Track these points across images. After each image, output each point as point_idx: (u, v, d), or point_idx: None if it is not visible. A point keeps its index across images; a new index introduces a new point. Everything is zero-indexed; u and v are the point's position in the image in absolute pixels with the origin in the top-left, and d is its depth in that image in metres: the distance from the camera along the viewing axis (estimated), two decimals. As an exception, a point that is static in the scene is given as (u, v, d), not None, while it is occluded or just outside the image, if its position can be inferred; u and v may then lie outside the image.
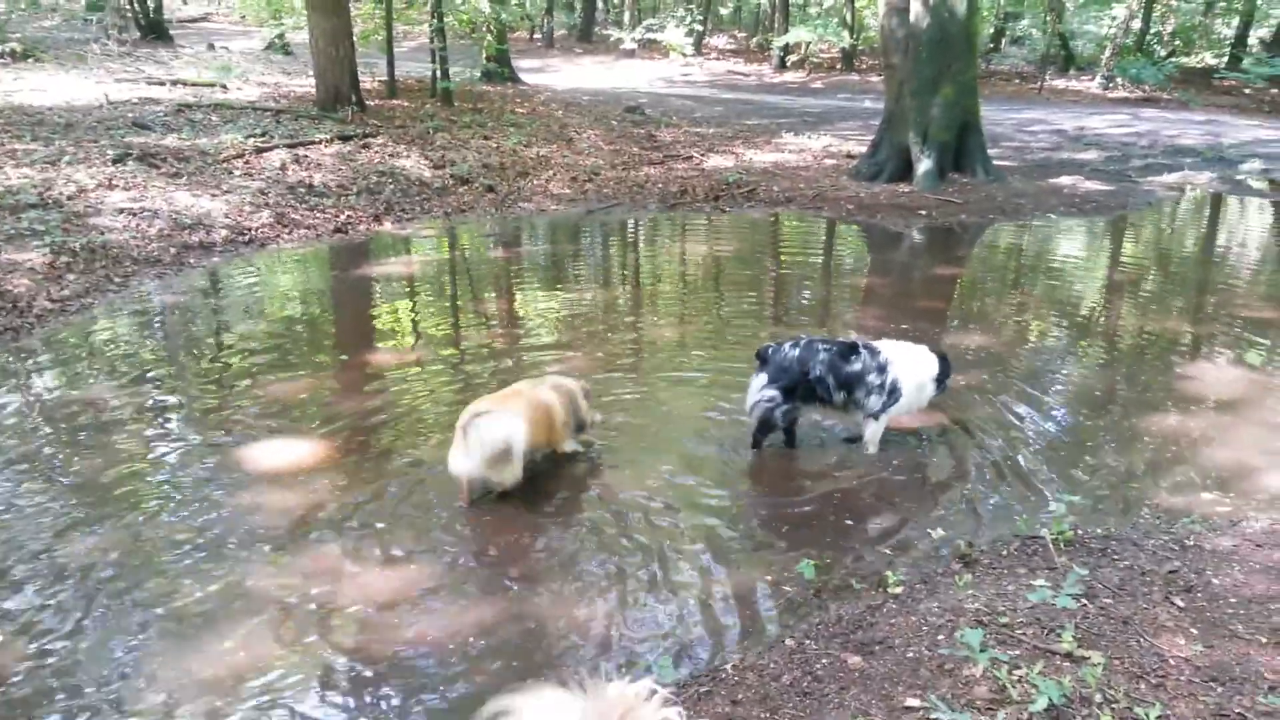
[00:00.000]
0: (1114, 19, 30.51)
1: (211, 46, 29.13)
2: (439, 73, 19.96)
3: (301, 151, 13.83)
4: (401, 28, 25.29)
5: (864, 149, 16.11)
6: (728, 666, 3.86)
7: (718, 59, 37.46)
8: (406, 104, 19.34)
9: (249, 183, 12.18)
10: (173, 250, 9.90)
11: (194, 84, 19.80)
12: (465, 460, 5.03)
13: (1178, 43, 35.40)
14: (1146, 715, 3.21)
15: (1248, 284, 10.37)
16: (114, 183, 11.22)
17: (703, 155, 16.77)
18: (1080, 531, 4.86)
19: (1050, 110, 24.58)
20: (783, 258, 11.53)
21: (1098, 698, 3.32)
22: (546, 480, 5.60)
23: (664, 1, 47.62)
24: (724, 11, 49.23)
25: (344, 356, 7.59)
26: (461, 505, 5.24)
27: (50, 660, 3.96)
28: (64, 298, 8.32)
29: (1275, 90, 27.57)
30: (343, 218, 11.75)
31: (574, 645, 4.13)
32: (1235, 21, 33.18)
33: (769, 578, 4.65)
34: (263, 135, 14.43)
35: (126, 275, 9.10)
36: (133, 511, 5.14)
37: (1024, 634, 3.78)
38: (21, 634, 4.12)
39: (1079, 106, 25.81)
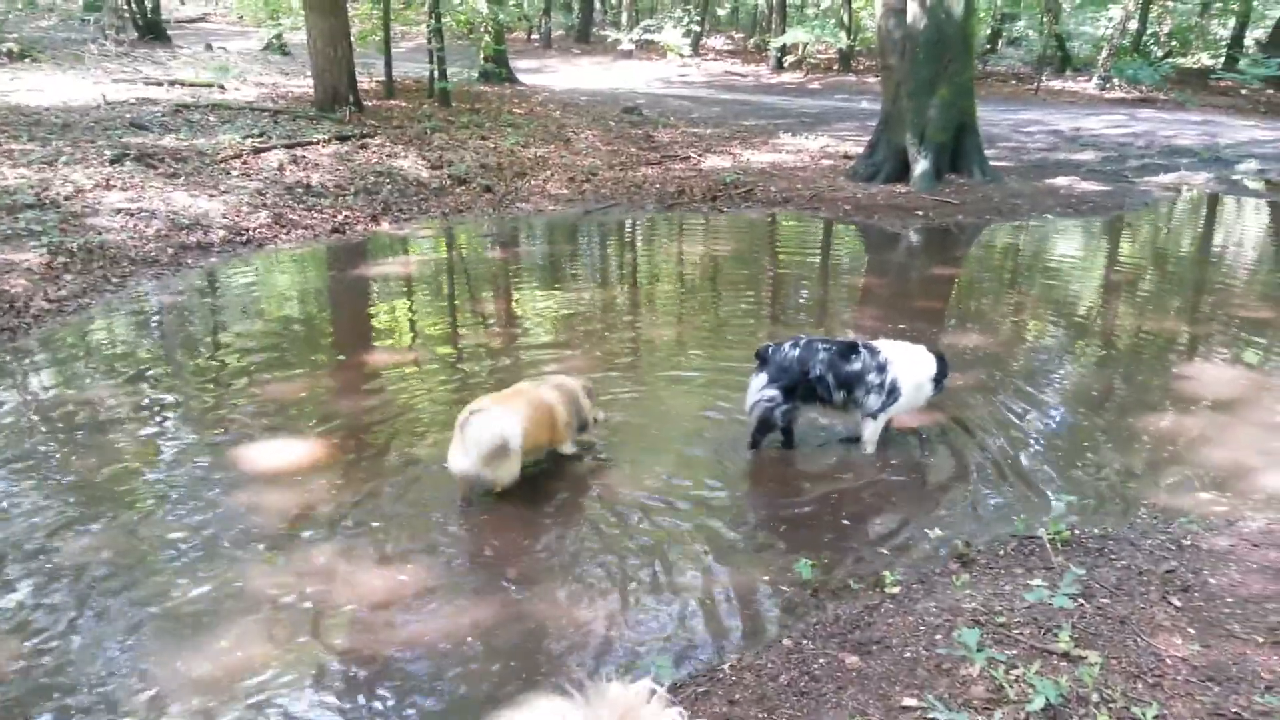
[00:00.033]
0: (1110, 20, 30.56)
1: (209, 47, 29.12)
2: (437, 73, 19.96)
3: (299, 152, 13.83)
4: (399, 28, 25.28)
5: (861, 150, 16.12)
6: (725, 666, 3.86)
7: (715, 60, 37.47)
8: (404, 104, 19.34)
9: (246, 183, 12.17)
10: (170, 250, 9.89)
11: (192, 84, 19.78)
12: (463, 457, 5.04)
13: (1174, 43, 35.46)
14: (1143, 715, 3.21)
15: (1244, 284, 10.39)
16: (111, 183, 11.21)
17: (700, 156, 16.77)
18: (1077, 531, 4.87)
19: (1047, 111, 24.60)
20: (780, 258, 11.54)
21: (1095, 697, 3.33)
22: (544, 480, 5.59)
23: (661, 2, 47.65)
24: (721, 12, 49.28)
25: (341, 356, 7.58)
26: (459, 504, 5.24)
27: (44, 660, 3.96)
28: (61, 298, 8.31)
29: (1271, 91, 27.60)
30: (340, 218, 11.74)
31: (571, 645, 4.13)
32: (1231, 22, 33.25)
33: (766, 578, 4.66)
34: (260, 135, 14.43)
35: (124, 275, 9.09)
36: (129, 511, 5.14)
37: (1021, 634, 3.79)
38: (15, 633, 4.12)
39: (1075, 107, 25.84)
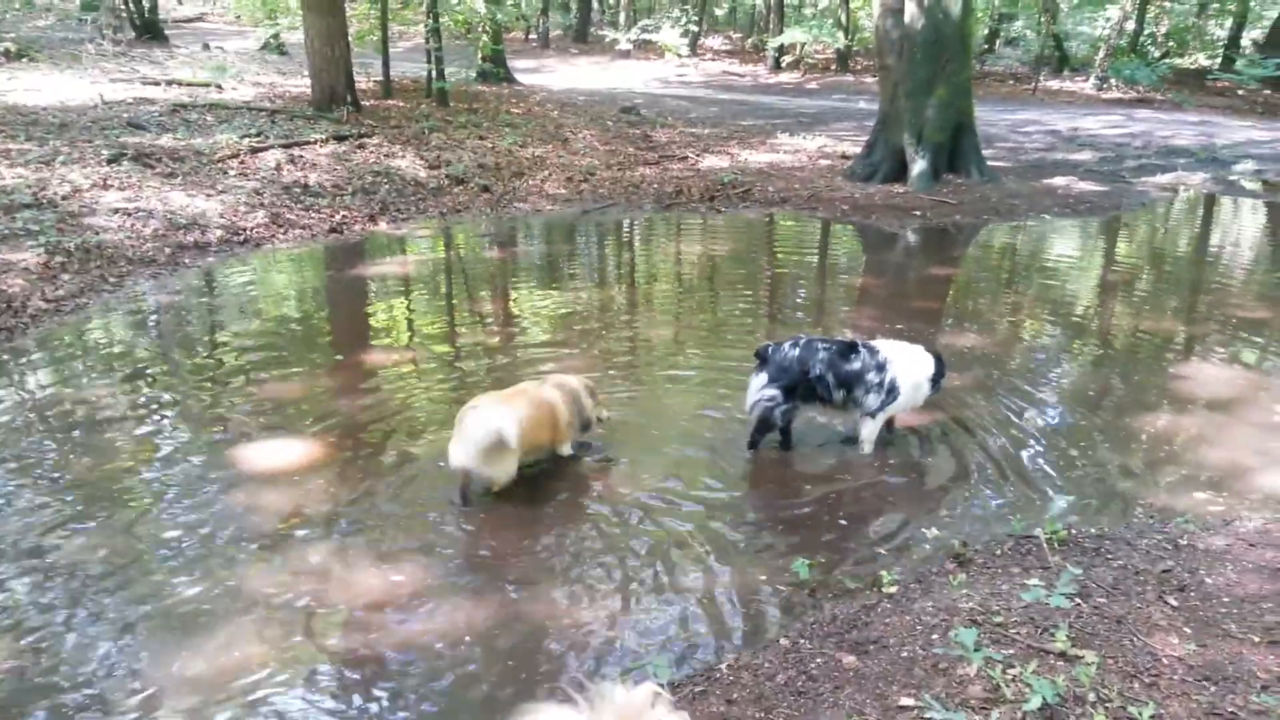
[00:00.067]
0: (1108, 20, 30.59)
1: (207, 46, 29.09)
2: (434, 73, 19.95)
3: (297, 151, 13.82)
4: (397, 28, 25.25)
5: (859, 150, 16.13)
6: (723, 666, 3.86)
7: (713, 60, 37.47)
8: (402, 104, 19.33)
9: (244, 183, 12.17)
10: (168, 250, 9.88)
11: (189, 84, 19.76)
12: (460, 452, 5.06)
13: (1171, 44, 35.50)
14: (1140, 714, 3.22)
15: (1241, 284, 10.40)
16: (109, 183, 11.20)
17: (698, 156, 16.77)
18: (1074, 531, 4.88)
19: (1044, 111, 24.63)
20: (778, 258, 11.54)
21: (1091, 697, 3.34)
22: (541, 479, 5.59)
23: (659, 2, 47.62)
24: (719, 12, 49.28)
25: (339, 356, 7.58)
26: (458, 503, 5.24)
27: (38, 658, 3.96)
28: (58, 298, 8.30)
29: (1268, 91, 27.62)
30: (338, 218, 11.73)
31: (569, 645, 4.13)
32: (1228, 23, 33.28)
33: (764, 577, 4.66)
34: (258, 135, 14.42)
35: (121, 275, 9.09)
36: (125, 509, 5.14)
37: (1018, 633, 3.79)
38: (9, 631, 4.12)
39: (1073, 107, 25.86)
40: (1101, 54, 29.64)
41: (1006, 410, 6.70)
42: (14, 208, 9.89)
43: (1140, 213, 14.10)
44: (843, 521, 5.24)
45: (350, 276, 10.05)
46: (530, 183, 14.30)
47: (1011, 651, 3.65)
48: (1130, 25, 31.40)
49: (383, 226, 11.83)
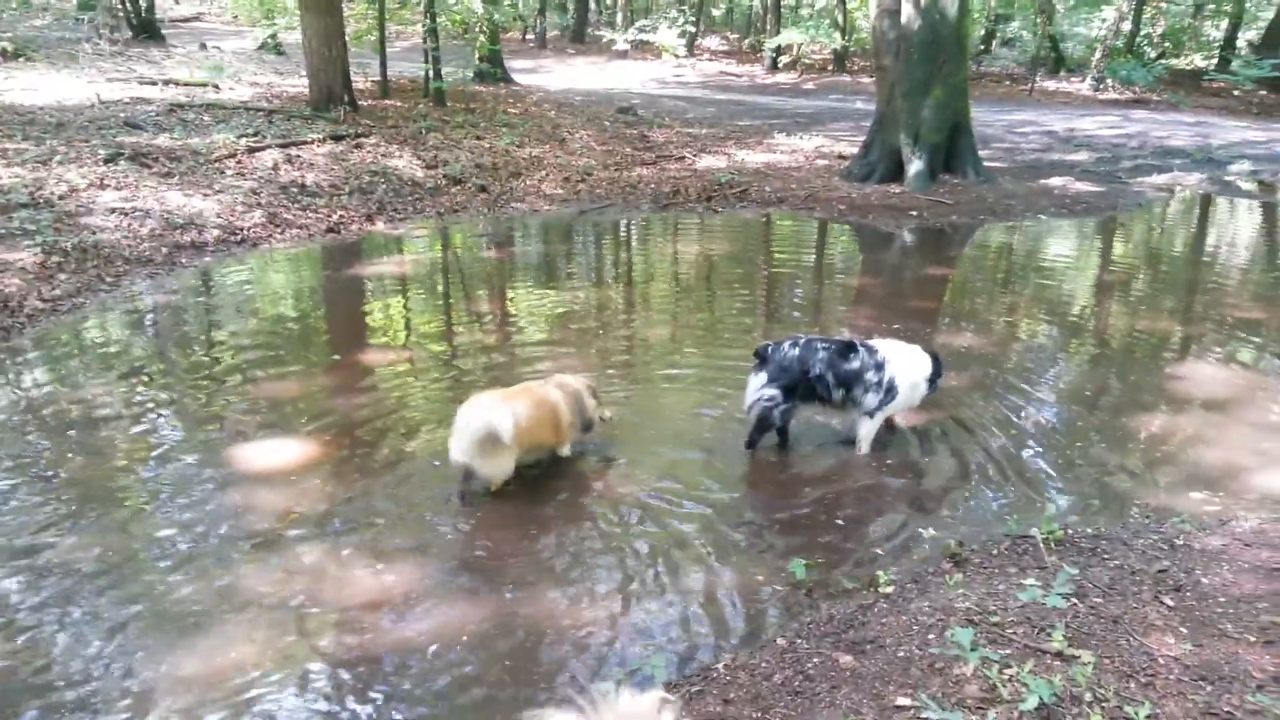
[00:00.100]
0: (1104, 21, 30.66)
1: (204, 46, 29.07)
2: (432, 73, 19.96)
3: (294, 151, 13.81)
4: (394, 28, 25.23)
5: (855, 150, 16.14)
6: (719, 665, 3.87)
7: (710, 60, 37.49)
8: (399, 104, 19.33)
9: (241, 182, 12.16)
10: (164, 250, 9.87)
11: (186, 84, 19.75)
12: (455, 446, 5.08)
13: (1167, 45, 35.55)
14: (1136, 714, 3.23)
15: (1237, 284, 10.42)
16: (106, 182, 11.18)
17: (695, 156, 16.78)
18: (1071, 531, 4.89)
19: (1041, 112, 24.67)
20: (775, 258, 11.54)
21: (1088, 696, 3.34)
22: (538, 479, 5.59)
23: (656, 3, 47.63)
24: (716, 13, 49.29)
25: (335, 356, 7.58)
26: (456, 502, 5.24)
27: (30, 657, 3.95)
28: (55, 297, 8.29)
29: (1264, 92, 27.68)
30: (335, 217, 11.73)
31: (565, 645, 4.13)
32: (1224, 24, 33.34)
33: (761, 577, 4.66)
34: (255, 135, 14.41)
35: (118, 275, 9.08)
36: (119, 508, 5.15)
37: (1014, 633, 3.80)
38: (1, 630, 4.12)
39: (1069, 108, 25.90)
40: (1098, 55, 29.69)
41: (1003, 410, 6.71)
42: (10, 207, 9.88)
43: (1136, 213, 14.13)
44: (839, 521, 5.24)
45: (347, 276, 10.05)
46: (527, 183, 14.30)
47: (1008, 651, 3.66)
48: (1126, 26, 31.48)
49: (380, 226, 11.83)
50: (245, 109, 16.85)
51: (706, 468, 5.84)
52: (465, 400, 5.25)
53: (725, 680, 3.73)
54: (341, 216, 11.80)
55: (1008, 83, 30.94)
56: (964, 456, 6.01)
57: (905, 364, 5.88)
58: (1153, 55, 33.36)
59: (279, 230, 11.05)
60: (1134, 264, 11.67)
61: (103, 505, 5.16)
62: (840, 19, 33.56)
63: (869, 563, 4.81)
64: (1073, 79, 30.85)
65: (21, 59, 21.47)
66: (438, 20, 20.21)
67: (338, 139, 14.82)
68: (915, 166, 14.51)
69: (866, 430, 5.98)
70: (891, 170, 14.94)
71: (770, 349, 5.86)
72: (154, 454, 5.79)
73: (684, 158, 16.59)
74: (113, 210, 10.42)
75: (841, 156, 16.75)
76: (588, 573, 4.68)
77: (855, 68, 33.75)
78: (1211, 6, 33.95)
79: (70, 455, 5.72)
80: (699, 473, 5.77)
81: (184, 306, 8.64)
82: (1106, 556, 4.55)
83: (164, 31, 30.69)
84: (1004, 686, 3.40)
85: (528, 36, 41.44)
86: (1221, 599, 4.06)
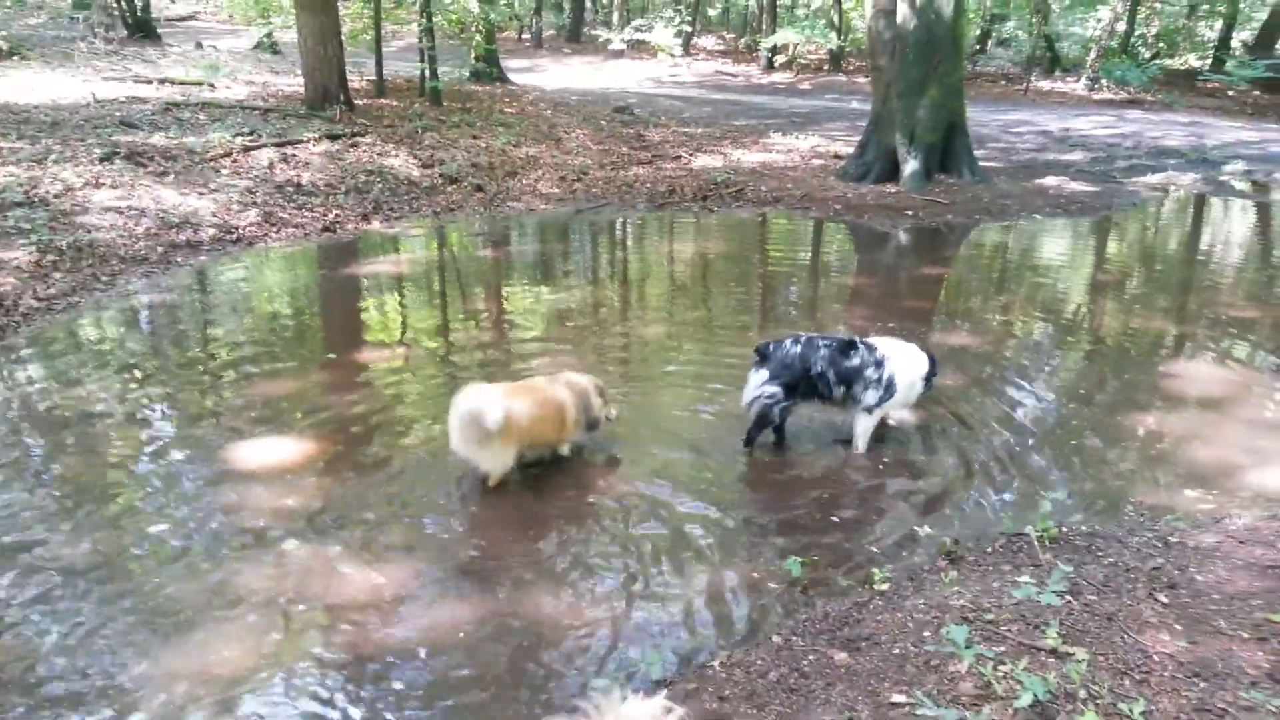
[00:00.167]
0: (1099, 21, 30.71)
1: (199, 45, 28.99)
2: (427, 72, 19.93)
3: (289, 150, 13.79)
4: (390, 27, 25.20)
5: (851, 150, 16.16)
6: (715, 663, 3.88)
7: (706, 60, 37.48)
8: (395, 103, 19.30)
9: (237, 181, 12.14)
10: (160, 249, 9.86)
11: (181, 83, 19.69)
12: (451, 435, 5.11)
13: (1162, 45, 35.61)
14: (1130, 710, 3.24)
15: (1231, 283, 10.45)
16: (101, 181, 11.16)
17: (691, 155, 16.79)
18: (1065, 529, 4.90)
19: (1036, 111, 24.70)
20: (770, 257, 11.55)
21: (1082, 693, 3.35)
22: (533, 477, 5.60)
23: (652, 2, 47.62)
24: (712, 13, 49.28)
25: (331, 355, 7.57)
26: (446, 500, 5.25)
27: (20, 654, 3.95)
28: (50, 296, 8.28)
29: (1258, 92, 27.75)
30: (331, 216, 11.72)
31: (561, 643, 4.13)
32: (1218, 24, 33.42)
33: (757, 575, 4.67)
34: (250, 134, 14.38)
35: (113, 274, 9.07)
36: (112, 506, 5.14)
37: (1009, 630, 3.81)
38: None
39: (1064, 108, 25.94)
40: (1093, 55, 29.74)
41: (998, 409, 6.72)
42: (6, 206, 9.85)
43: (1131, 213, 14.16)
44: (835, 519, 5.25)
45: (343, 275, 10.04)
46: (523, 182, 14.30)
47: (1003, 648, 3.67)
48: (1121, 26, 31.52)
49: (376, 225, 11.82)
50: (241, 108, 16.81)
51: (702, 465, 5.85)
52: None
53: (721, 678, 3.74)
54: (337, 215, 11.79)
55: (1003, 82, 30.97)
56: (959, 455, 6.02)
57: (904, 362, 5.90)
58: (1147, 55, 33.43)
59: (274, 229, 11.05)
60: (1128, 263, 11.70)
61: (95, 502, 5.16)
62: (836, 19, 33.57)
63: (864, 560, 4.82)
64: (1068, 79, 30.91)
65: (16, 57, 21.40)
66: (433, 20, 20.19)
67: (333, 138, 14.81)
68: (911, 166, 14.53)
69: (864, 427, 5.99)
70: (887, 170, 14.96)
71: (771, 346, 5.88)
72: (147, 451, 5.79)
73: (680, 157, 16.59)
74: (108, 209, 10.40)
75: (837, 156, 16.76)
76: (582, 571, 4.69)
77: (851, 67, 33.76)
78: (1206, 7, 34.03)
79: (63, 452, 5.71)
80: (694, 470, 5.78)
81: (179, 305, 8.63)
82: (1101, 554, 4.57)
83: (159, 30, 30.62)
84: (999, 683, 3.41)
85: (524, 36, 41.41)
86: (1215, 596, 4.07)
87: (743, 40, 41.75)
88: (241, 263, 10.00)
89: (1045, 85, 30.05)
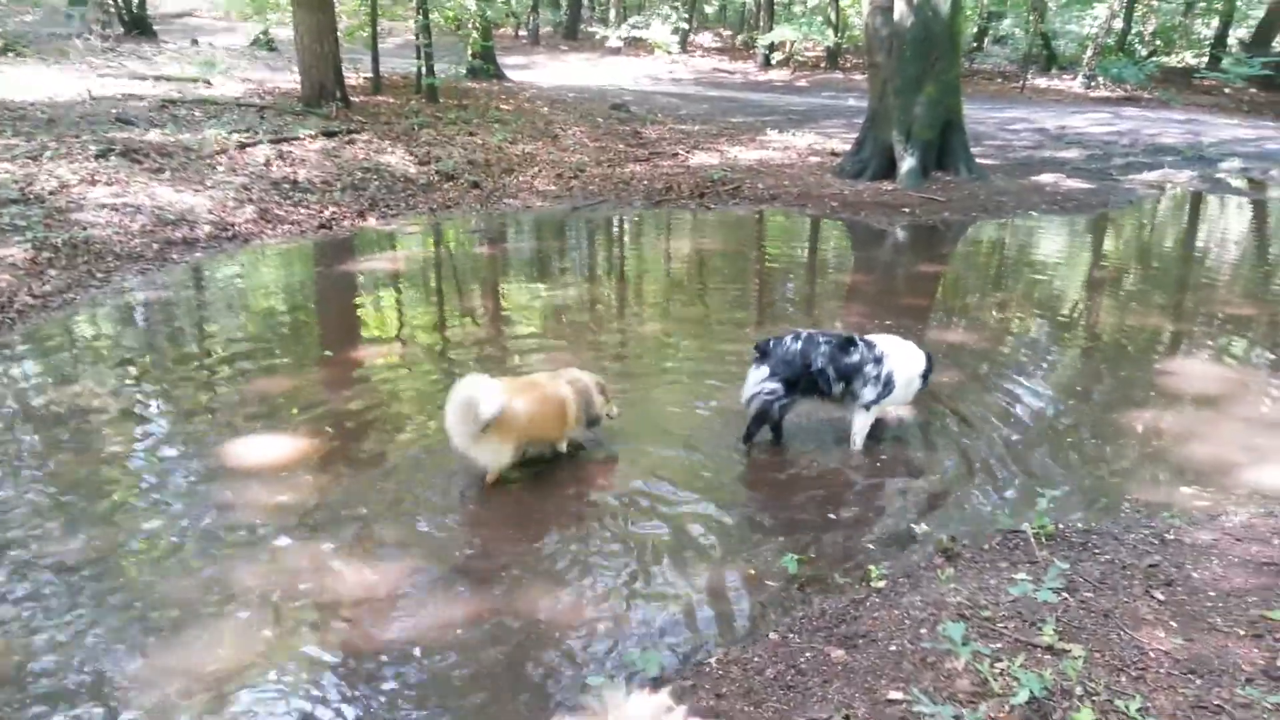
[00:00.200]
0: (1095, 19, 30.70)
1: (195, 42, 28.93)
2: (424, 69, 19.91)
3: (286, 147, 13.76)
4: (386, 24, 25.20)
5: (848, 147, 16.17)
6: (711, 660, 3.88)
7: (703, 57, 37.46)
8: (391, 100, 19.28)
9: (233, 178, 12.12)
10: (156, 246, 9.84)
11: (177, 79, 19.65)
12: (449, 426, 5.10)
13: (1158, 42, 35.65)
14: (1127, 707, 3.24)
15: (1227, 281, 10.47)
16: (96, 178, 11.13)
17: (688, 152, 16.78)
18: (1061, 525, 4.91)
19: (1032, 109, 24.72)
20: (767, 254, 11.55)
21: (1078, 690, 3.36)
22: (530, 475, 5.59)
23: (649, -1, 47.60)
24: (709, 9, 49.21)
25: (328, 352, 7.56)
26: (442, 497, 5.24)
27: (11, 650, 3.94)
28: (46, 293, 8.26)
29: (1254, 90, 27.81)
30: (327, 214, 11.70)
31: (558, 641, 4.12)
32: (1215, 22, 33.47)
33: (753, 572, 4.67)
34: (247, 131, 14.35)
35: (109, 271, 9.05)
36: (107, 504, 5.12)
37: (1006, 627, 3.82)
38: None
39: (1061, 105, 25.96)
40: (1089, 52, 29.76)
41: (994, 406, 6.73)
42: (1, 203, 9.81)
43: (1127, 210, 14.18)
44: (832, 516, 5.25)
45: (339, 272, 10.03)
46: (520, 179, 14.28)
47: (999, 645, 3.68)
48: (1118, 24, 31.57)
49: (372, 222, 11.81)
50: (237, 105, 16.78)
51: (699, 463, 5.84)
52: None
53: (717, 675, 3.74)
54: (334, 213, 11.77)
55: (1000, 80, 30.99)
56: (956, 452, 6.03)
57: (902, 359, 5.90)
58: (1144, 53, 33.46)
59: (271, 226, 11.03)
60: (1125, 261, 11.71)
61: (88, 499, 5.15)
62: (833, 16, 33.56)
63: (861, 557, 4.82)
64: (1064, 76, 30.94)
65: (11, 54, 21.35)
66: (430, 16, 20.17)
67: (330, 135, 14.78)
68: (907, 163, 14.54)
69: (861, 423, 5.99)
70: (884, 167, 14.97)
71: (771, 343, 5.88)
72: (141, 448, 5.79)
73: (677, 154, 16.58)
74: (104, 206, 10.38)
75: (834, 153, 16.77)
76: (578, 569, 4.68)
77: (848, 65, 33.77)
78: (1202, 5, 34.06)
79: (58, 449, 5.70)
80: (691, 468, 5.78)
81: (175, 302, 8.61)
82: (1097, 551, 4.57)
83: (155, 27, 30.61)
84: (995, 680, 3.42)
85: (520, 33, 41.35)
86: (1211, 593, 4.08)
87: (740, 37, 41.73)
88: (237, 260, 9.99)
89: (1042, 83, 30.07)
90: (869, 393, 5.84)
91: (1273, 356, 7.95)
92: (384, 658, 3.98)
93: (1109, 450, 6.10)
